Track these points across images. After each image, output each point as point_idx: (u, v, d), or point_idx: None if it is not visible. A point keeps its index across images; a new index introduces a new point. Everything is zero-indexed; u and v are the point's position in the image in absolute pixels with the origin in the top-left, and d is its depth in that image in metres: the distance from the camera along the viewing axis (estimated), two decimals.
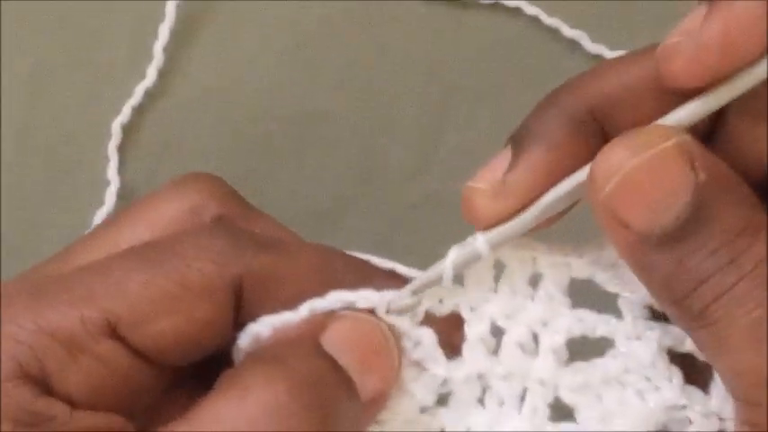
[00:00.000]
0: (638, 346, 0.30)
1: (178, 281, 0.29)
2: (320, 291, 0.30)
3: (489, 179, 0.30)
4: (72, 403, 0.28)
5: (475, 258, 0.30)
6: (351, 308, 0.30)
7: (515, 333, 0.30)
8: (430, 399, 0.31)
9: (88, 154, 0.46)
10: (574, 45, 0.47)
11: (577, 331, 0.30)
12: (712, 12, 0.27)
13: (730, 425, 0.30)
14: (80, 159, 0.46)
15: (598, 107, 0.30)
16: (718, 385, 0.30)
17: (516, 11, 0.47)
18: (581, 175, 0.29)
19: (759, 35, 0.27)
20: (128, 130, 0.46)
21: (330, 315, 0.30)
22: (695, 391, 0.30)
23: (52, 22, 0.47)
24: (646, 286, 0.29)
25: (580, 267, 0.31)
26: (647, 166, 0.26)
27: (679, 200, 0.26)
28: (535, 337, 0.30)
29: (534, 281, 0.30)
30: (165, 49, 0.46)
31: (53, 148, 0.46)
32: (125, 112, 0.45)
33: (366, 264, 0.32)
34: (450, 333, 0.31)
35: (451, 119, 0.46)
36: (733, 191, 0.27)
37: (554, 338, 0.30)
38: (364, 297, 0.30)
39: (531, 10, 0.47)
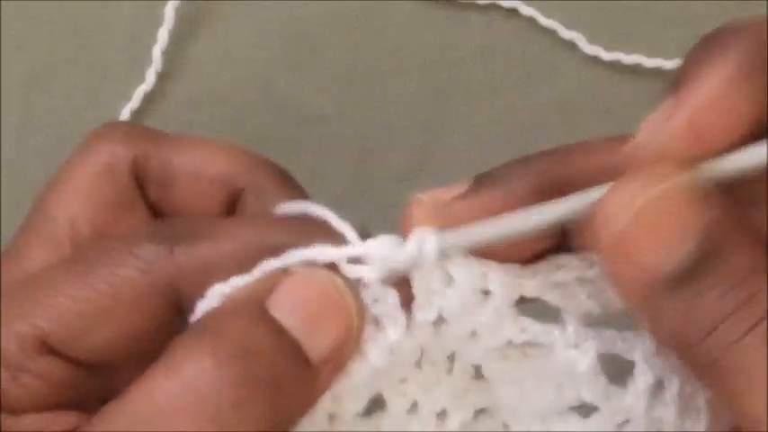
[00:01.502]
0: (574, 355, 0.31)
1: (107, 293, 0.29)
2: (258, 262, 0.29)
3: (436, 199, 0.30)
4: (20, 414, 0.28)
5: (409, 256, 0.30)
6: (305, 264, 0.29)
7: (458, 327, 0.30)
8: (382, 363, 0.30)
9: None
10: (570, 46, 0.47)
11: (519, 339, 0.31)
12: (677, 103, 0.27)
13: (638, 417, 0.30)
14: None
15: (564, 180, 0.29)
16: (635, 386, 0.30)
17: (513, 12, 0.47)
18: (560, 206, 0.28)
19: (725, 119, 0.26)
20: None
21: (280, 274, 0.29)
22: (613, 390, 0.31)
23: (50, 24, 0.47)
24: (654, 333, 0.28)
25: (531, 288, 0.31)
26: (661, 202, 0.26)
27: (691, 237, 0.26)
28: (474, 333, 0.31)
29: (484, 295, 0.31)
30: (164, 53, 0.46)
31: (52, 151, 0.46)
32: (124, 116, 0.46)
33: (302, 223, 0.31)
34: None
35: (448, 120, 0.46)
36: (743, 230, 0.26)
37: (494, 338, 0.31)
38: (321, 253, 0.29)
39: (527, 11, 0.47)
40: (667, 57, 0.46)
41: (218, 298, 0.29)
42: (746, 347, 0.25)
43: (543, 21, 0.47)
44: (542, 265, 0.31)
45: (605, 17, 0.47)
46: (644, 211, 0.26)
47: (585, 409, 0.31)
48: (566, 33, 0.46)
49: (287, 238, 0.30)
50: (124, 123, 0.36)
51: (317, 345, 0.28)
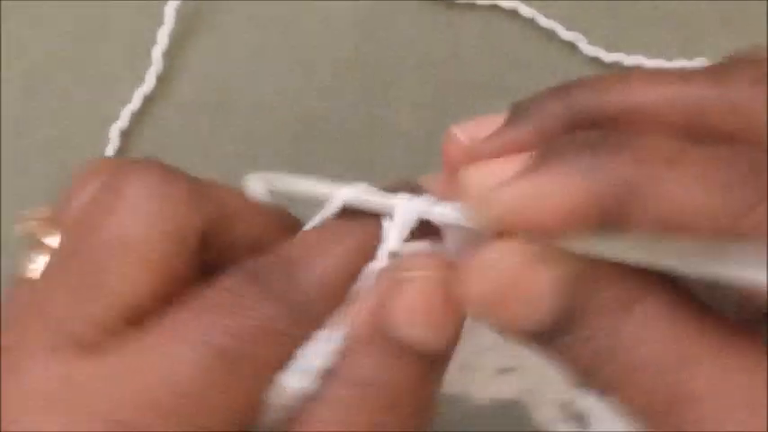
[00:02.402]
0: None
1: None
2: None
3: (472, 133, 0.30)
4: None
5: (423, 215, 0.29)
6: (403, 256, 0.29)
7: None
8: None
9: (87, 159, 0.46)
10: (571, 47, 0.47)
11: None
12: (543, 169, 0.26)
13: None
14: (79, 164, 0.46)
15: (600, 115, 0.29)
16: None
17: (513, 13, 0.47)
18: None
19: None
20: (126, 135, 0.46)
21: (393, 284, 0.28)
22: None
23: (50, 25, 0.47)
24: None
25: None
26: (505, 285, 0.26)
27: (544, 307, 0.26)
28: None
29: None
30: (164, 54, 0.46)
31: (52, 152, 0.46)
32: (124, 118, 0.46)
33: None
34: None
35: (447, 120, 0.46)
36: (602, 272, 0.26)
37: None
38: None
39: (527, 12, 0.47)
40: (668, 58, 0.46)
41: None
42: (629, 383, 0.26)
43: (543, 21, 0.47)
44: None
45: (606, 18, 0.47)
46: (499, 291, 0.26)
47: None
48: (566, 34, 0.46)
49: (368, 237, 0.29)
50: (186, 180, 0.30)
51: (440, 341, 0.28)
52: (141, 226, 0.28)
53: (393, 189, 0.30)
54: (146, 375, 0.26)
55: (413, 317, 0.27)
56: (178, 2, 0.46)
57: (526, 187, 0.26)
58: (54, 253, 0.30)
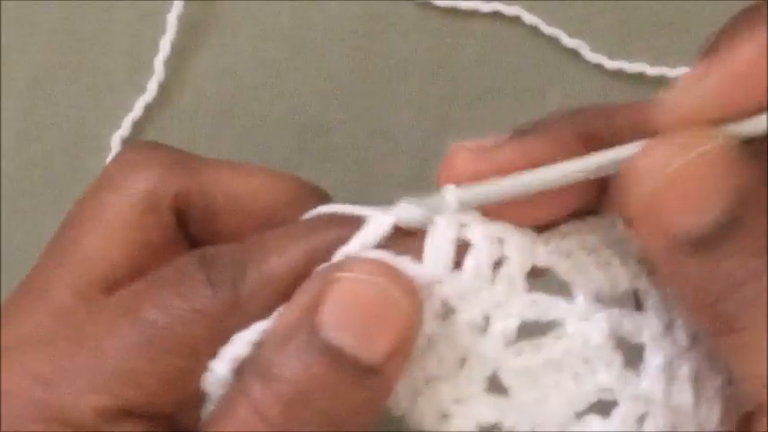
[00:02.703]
0: (586, 327, 0.30)
1: (181, 353, 0.28)
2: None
3: (478, 143, 0.30)
4: None
5: (440, 209, 0.29)
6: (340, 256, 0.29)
7: (466, 314, 0.30)
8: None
9: (89, 167, 0.46)
10: (574, 54, 0.46)
11: (531, 315, 0.30)
12: (710, 66, 0.28)
13: (657, 408, 0.30)
14: (80, 173, 0.46)
15: (610, 132, 0.30)
16: (648, 369, 0.30)
17: (516, 20, 0.47)
18: (575, 164, 0.28)
19: (757, 87, 0.27)
20: (128, 143, 0.46)
21: (326, 283, 0.28)
22: (629, 376, 0.30)
23: (52, 33, 0.47)
24: (676, 290, 0.29)
25: (544, 255, 0.30)
26: (692, 167, 0.27)
27: (718, 203, 0.26)
28: (487, 319, 0.30)
29: (498, 263, 0.30)
30: (166, 63, 0.46)
31: (52, 160, 0.46)
32: (125, 126, 0.46)
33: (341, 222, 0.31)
34: None
35: (451, 127, 0.46)
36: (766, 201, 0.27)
37: (506, 322, 0.30)
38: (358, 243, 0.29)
39: (530, 19, 0.47)
40: (671, 65, 0.46)
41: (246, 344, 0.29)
42: (753, 314, 0.26)
43: (546, 29, 0.46)
44: (554, 232, 0.31)
45: (609, 25, 0.47)
46: (675, 176, 0.27)
47: (604, 406, 0.31)
48: (569, 41, 0.46)
49: (330, 238, 0.29)
50: (161, 150, 0.31)
51: (374, 353, 0.27)
52: (114, 196, 0.30)
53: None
54: (91, 345, 0.28)
55: (338, 319, 0.27)
56: (180, 11, 0.46)
57: (729, 64, 0.27)
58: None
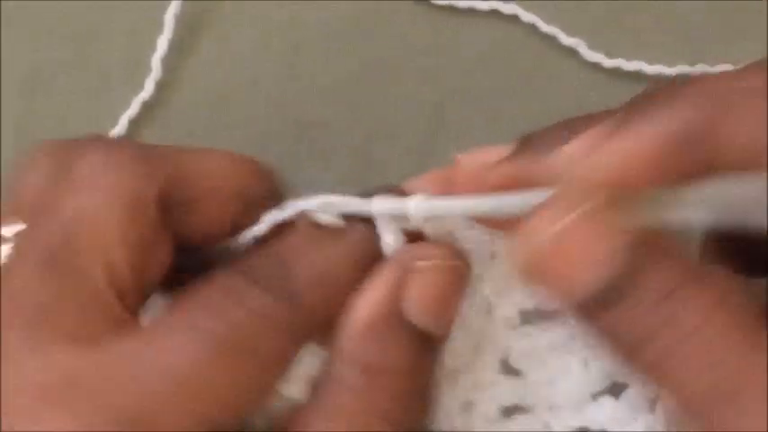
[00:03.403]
0: None
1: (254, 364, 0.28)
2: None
3: (479, 162, 0.31)
4: None
5: (399, 212, 0.30)
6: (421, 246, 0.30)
7: (472, 299, 0.31)
8: None
9: None
10: (571, 53, 0.46)
11: (530, 304, 0.31)
12: (631, 133, 0.27)
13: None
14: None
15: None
16: None
17: (513, 18, 0.47)
18: (538, 195, 0.29)
19: (660, 170, 0.27)
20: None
21: (406, 273, 0.28)
22: None
23: (50, 31, 0.47)
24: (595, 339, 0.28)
25: None
26: (576, 229, 0.26)
27: (602, 267, 0.26)
28: (489, 305, 0.31)
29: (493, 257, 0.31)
30: (164, 61, 0.46)
31: None
32: (122, 124, 0.45)
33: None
34: None
35: (448, 126, 0.46)
36: (662, 247, 0.26)
37: (506, 309, 0.31)
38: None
39: (528, 17, 0.46)
40: (669, 63, 0.46)
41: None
42: (674, 366, 0.26)
43: (544, 27, 0.46)
44: None
45: (606, 24, 0.47)
46: (560, 242, 0.26)
47: (615, 389, 0.31)
48: (566, 40, 0.46)
49: (363, 239, 0.30)
50: (135, 148, 0.30)
51: (447, 328, 0.29)
52: (99, 201, 0.28)
53: (370, 194, 0.31)
54: (147, 367, 0.26)
55: (426, 305, 0.28)
56: (177, 9, 0.46)
57: (626, 143, 0.27)
58: (18, 241, 0.29)
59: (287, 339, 0.28)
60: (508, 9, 0.47)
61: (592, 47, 0.46)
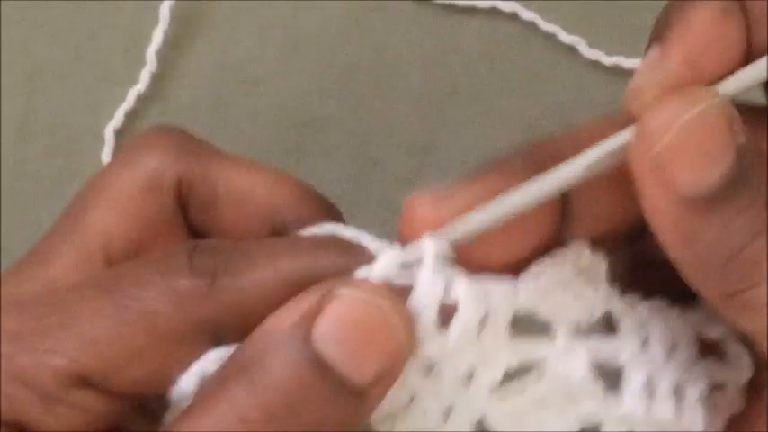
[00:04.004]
0: (567, 363, 0.30)
1: (146, 330, 0.28)
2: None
3: (432, 193, 0.29)
4: None
5: (420, 258, 0.29)
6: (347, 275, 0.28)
7: (452, 370, 0.29)
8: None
9: (86, 159, 0.46)
10: (571, 51, 0.46)
11: (515, 362, 0.30)
12: (670, 43, 0.28)
13: (640, 425, 0.30)
14: (77, 164, 0.46)
15: (564, 156, 0.29)
16: (628, 389, 0.30)
17: (513, 16, 0.47)
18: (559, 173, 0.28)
19: (719, 52, 0.28)
20: (121, 135, 0.46)
21: (326, 297, 0.27)
22: (611, 400, 0.30)
23: (49, 26, 0.47)
24: (683, 257, 0.28)
25: (524, 302, 0.30)
26: (701, 121, 0.27)
27: (726, 158, 0.27)
28: (471, 372, 0.30)
29: (482, 319, 0.30)
30: (159, 54, 0.46)
31: (50, 153, 0.46)
32: (118, 117, 0.45)
33: (340, 247, 0.30)
34: None
35: (448, 123, 0.46)
36: (762, 156, 0.28)
37: (493, 373, 0.30)
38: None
39: (527, 15, 0.46)
40: None
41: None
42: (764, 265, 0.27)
43: (544, 25, 0.46)
44: (528, 275, 0.30)
45: (606, 21, 0.47)
46: (686, 129, 0.27)
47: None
48: (566, 38, 0.46)
49: (328, 262, 0.29)
50: (175, 132, 0.32)
51: (362, 374, 0.27)
52: (121, 172, 0.31)
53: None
54: (64, 311, 0.28)
55: (335, 334, 0.27)
56: (173, 1, 0.46)
57: (683, 35, 0.28)
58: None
59: (188, 320, 0.28)
60: (508, 7, 0.47)
61: (591, 45, 0.46)
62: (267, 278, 0.28)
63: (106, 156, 0.45)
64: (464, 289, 0.29)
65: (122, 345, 0.28)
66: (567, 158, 0.29)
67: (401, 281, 0.29)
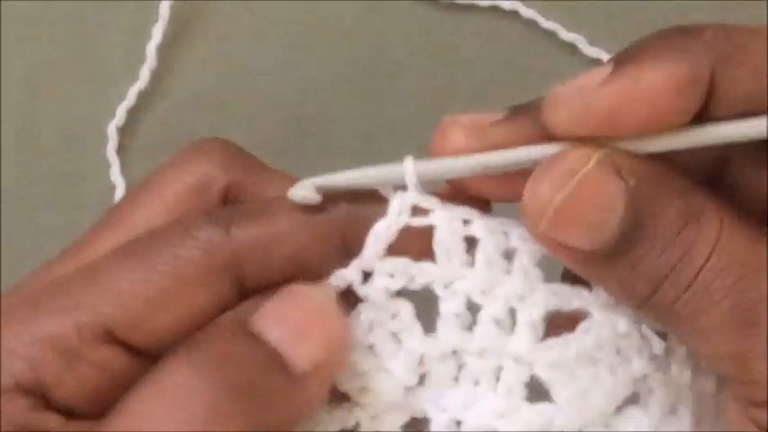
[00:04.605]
0: (612, 316, 0.30)
1: (169, 274, 0.29)
2: (311, 244, 0.30)
3: (472, 120, 0.30)
4: (72, 412, 0.28)
5: (394, 179, 0.30)
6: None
7: (492, 308, 0.30)
8: (412, 378, 0.30)
9: (89, 157, 0.46)
10: (571, 48, 0.46)
11: (553, 305, 0.30)
12: (614, 76, 0.27)
13: (686, 394, 0.30)
14: (81, 162, 0.46)
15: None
16: (676, 355, 0.30)
17: (514, 14, 0.47)
18: (536, 150, 0.28)
19: (648, 113, 0.27)
20: (123, 132, 0.46)
21: (262, 299, 0.29)
22: (661, 360, 0.30)
23: (49, 24, 0.47)
24: (608, 294, 0.29)
25: None
26: (574, 195, 0.27)
27: (613, 215, 0.27)
28: (512, 313, 0.30)
29: (508, 255, 0.30)
30: (160, 50, 0.46)
31: (52, 151, 0.46)
32: (119, 115, 0.45)
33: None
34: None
35: None
36: (667, 186, 0.27)
37: (531, 313, 0.30)
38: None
39: (528, 13, 0.47)
40: None
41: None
42: (702, 290, 0.27)
43: (544, 23, 0.46)
44: None
45: (606, 19, 0.47)
46: (564, 205, 0.27)
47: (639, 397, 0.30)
48: (566, 35, 0.46)
49: (341, 207, 0.30)
50: (225, 143, 0.33)
51: (299, 356, 0.28)
52: (171, 173, 0.32)
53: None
54: (87, 269, 0.29)
55: (273, 316, 0.28)
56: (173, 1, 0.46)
57: (630, 82, 0.27)
58: None
59: (209, 266, 0.29)
60: (508, 5, 0.47)
61: (592, 42, 0.46)
62: (282, 222, 0.30)
63: (110, 153, 0.45)
64: (480, 223, 0.29)
65: (148, 293, 0.28)
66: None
67: (417, 222, 0.30)
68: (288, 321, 0.28)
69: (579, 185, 0.27)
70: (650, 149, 0.27)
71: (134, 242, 0.30)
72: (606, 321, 0.30)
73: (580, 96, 0.27)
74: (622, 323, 0.30)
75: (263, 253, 0.29)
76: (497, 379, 0.30)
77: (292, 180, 0.32)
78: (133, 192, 0.33)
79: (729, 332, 0.26)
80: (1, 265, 0.45)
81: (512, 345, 0.30)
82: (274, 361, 0.28)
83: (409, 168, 0.30)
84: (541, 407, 0.30)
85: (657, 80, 0.27)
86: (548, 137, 0.28)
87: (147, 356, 0.29)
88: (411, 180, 0.30)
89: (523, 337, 0.29)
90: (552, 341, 0.30)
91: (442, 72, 0.47)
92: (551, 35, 0.47)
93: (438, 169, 0.30)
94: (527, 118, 0.29)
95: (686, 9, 0.47)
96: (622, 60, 0.27)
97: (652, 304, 0.27)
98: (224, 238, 0.29)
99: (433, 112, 0.46)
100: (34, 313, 0.28)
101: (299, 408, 0.29)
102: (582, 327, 0.30)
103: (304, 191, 0.30)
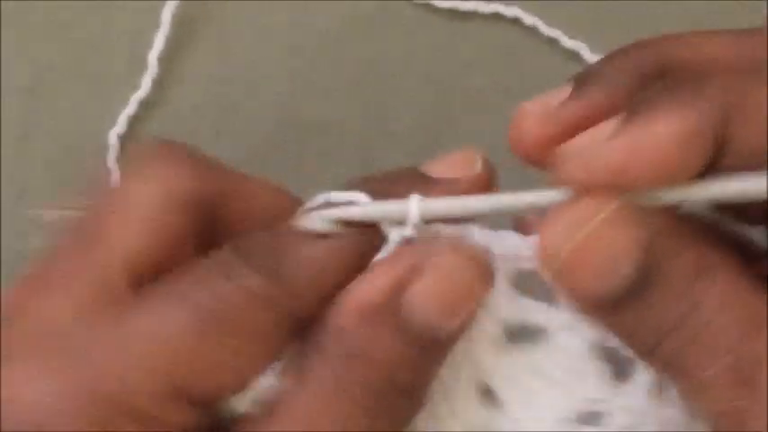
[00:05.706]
0: (570, 335, 0.30)
1: (232, 333, 0.27)
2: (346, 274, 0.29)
3: (542, 105, 0.30)
4: None
5: (399, 215, 0.29)
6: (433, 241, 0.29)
7: None
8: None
9: (89, 165, 0.46)
10: (573, 56, 0.46)
11: (516, 318, 0.30)
12: (633, 126, 0.27)
13: (648, 420, 0.30)
14: (81, 170, 0.46)
15: (669, 66, 0.29)
16: (638, 380, 0.30)
17: (515, 21, 0.47)
18: (547, 195, 0.28)
19: (658, 166, 0.27)
20: (125, 140, 0.46)
21: (419, 264, 0.28)
22: (620, 386, 0.30)
23: (50, 31, 0.47)
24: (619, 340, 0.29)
25: (529, 258, 0.30)
26: (594, 236, 0.27)
27: (624, 264, 0.27)
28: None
29: None
30: (161, 59, 0.46)
31: (52, 159, 0.46)
32: (121, 123, 0.45)
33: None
34: None
35: (450, 128, 0.46)
36: (679, 237, 0.27)
37: (493, 322, 0.30)
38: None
39: (530, 20, 0.47)
40: None
41: None
42: (705, 346, 0.27)
43: (546, 30, 0.46)
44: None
45: (608, 26, 0.47)
46: (580, 249, 0.27)
47: (592, 417, 0.31)
48: (568, 43, 0.46)
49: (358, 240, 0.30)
50: (181, 146, 0.31)
51: (451, 330, 0.28)
52: (141, 188, 0.30)
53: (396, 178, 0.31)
54: (131, 330, 0.27)
55: (430, 304, 0.27)
56: (174, 5, 0.46)
57: (637, 135, 0.26)
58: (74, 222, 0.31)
59: (273, 321, 0.28)
60: (510, 12, 0.47)
61: (594, 50, 0.46)
62: (319, 258, 0.29)
63: (111, 161, 0.45)
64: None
65: (216, 353, 0.27)
66: (674, 65, 0.29)
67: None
68: (444, 306, 0.28)
69: (591, 234, 0.27)
70: (661, 201, 0.27)
71: (184, 295, 0.28)
72: (565, 340, 0.30)
73: (590, 149, 0.27)
74: (580, 344, 0.30)
75: (315, 296, 0.28)
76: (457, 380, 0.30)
77: (257, 179, 0.32)
78: (99, 212, 0.30)
79: (729, 388, 0.26)
80: (1, 272, 0.45)
81: (472, 351, 0.30)
82: (433, 348, 0.28)
83: (413, 207, 0.29)
84: (488, 412, 0.30)
85: (666, 135, 0.26)
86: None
87: (215, 407, 0.28)
88: (413, 220, 0.29)
89: (481, 345, 0.30)
90: (510, 348, 0.30)
91: (442, 78, 0.47)
92: (553, 42, 0.47)
93: (445, 208, 0.29)
94: (593, 88, 0.29)
95: (687, 15, 0.47)
96: (632, 111, 0.27)
97: (655, 356, 0.28)
98: (276, 290, 0.28)
99: (434, 119, 0.47)
100: (94, 382, 0.27)
101: (439, 366, 0.29)
102: (539, 339, 0.30)
103: (310, 223, 0.30)
